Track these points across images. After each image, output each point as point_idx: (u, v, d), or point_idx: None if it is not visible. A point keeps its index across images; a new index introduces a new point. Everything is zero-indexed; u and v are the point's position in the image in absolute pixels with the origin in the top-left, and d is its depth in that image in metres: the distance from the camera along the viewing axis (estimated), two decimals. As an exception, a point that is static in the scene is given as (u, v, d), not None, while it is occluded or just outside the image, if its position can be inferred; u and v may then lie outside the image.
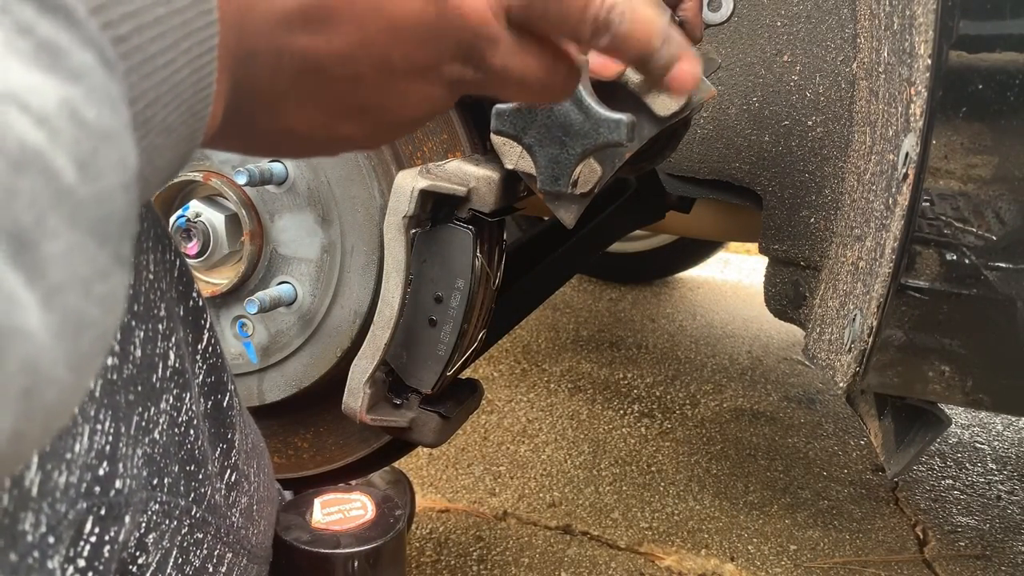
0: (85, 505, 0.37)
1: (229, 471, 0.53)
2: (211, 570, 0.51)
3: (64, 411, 0.21)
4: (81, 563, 0.37)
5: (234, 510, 0.54)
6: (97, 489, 0.38)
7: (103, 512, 0.38)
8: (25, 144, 0.18)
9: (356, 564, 0.75)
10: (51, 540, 0.34)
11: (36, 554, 0.34)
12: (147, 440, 0.42)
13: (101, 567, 0.38)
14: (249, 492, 0.57)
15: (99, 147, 0.20)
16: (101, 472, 0.38)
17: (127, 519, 0.40)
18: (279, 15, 0.32)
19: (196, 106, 0.28)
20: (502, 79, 0.38)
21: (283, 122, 0.35)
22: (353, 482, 0.87)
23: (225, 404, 0.53)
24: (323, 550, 0.74)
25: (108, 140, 0.21)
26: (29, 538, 0.33)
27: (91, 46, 0.21)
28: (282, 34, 0.32)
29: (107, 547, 0.39)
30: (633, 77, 0.58)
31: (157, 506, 0.44)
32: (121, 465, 0.39)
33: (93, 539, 0.38)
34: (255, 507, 0.58)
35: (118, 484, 0.39)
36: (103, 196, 0.21)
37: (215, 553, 0.51)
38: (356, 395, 0.69)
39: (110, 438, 0.38)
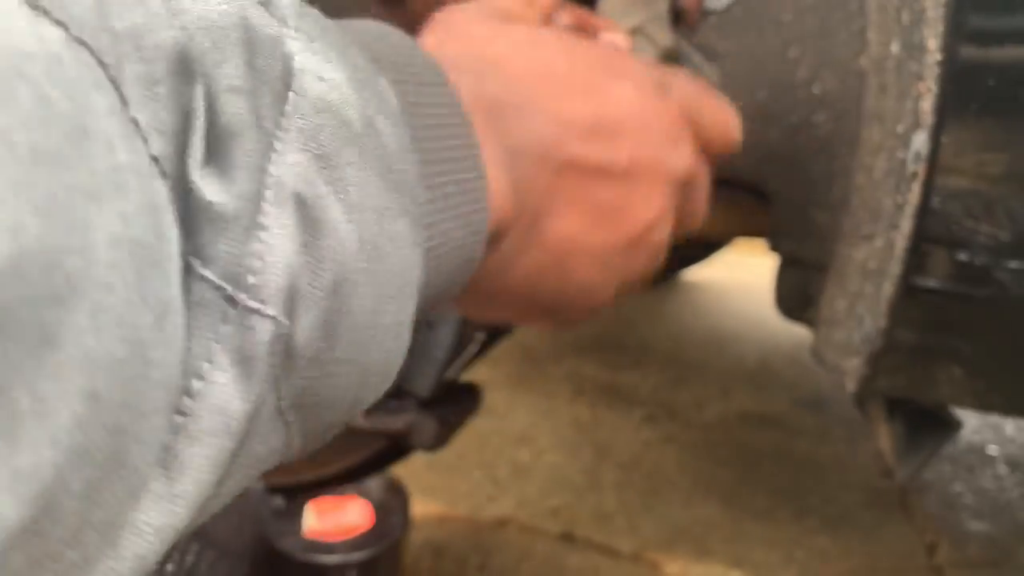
0: None
1: None
2: (175, 556, 0.50)
3: (363, 317, 0.24)
4: None
5: None
6: None
7: None
8: (321, 98, 0.22)
9: (351, 573, 0.74)
10: None
11: None
12: None
13: None
14: None
15: (376, 116, 0.24)
16: None
17: None
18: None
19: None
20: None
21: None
22: (347, 488, 0.86)
23: None
24: (317, 559, 0.73)
25: (393, 117, 0.25)
26: None
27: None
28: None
29: None
30: None
31: None
32: None
33: None
34: None
35: None
36: (384, 148, 0.24)
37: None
38: (350, 399, 0.67)
39: None
